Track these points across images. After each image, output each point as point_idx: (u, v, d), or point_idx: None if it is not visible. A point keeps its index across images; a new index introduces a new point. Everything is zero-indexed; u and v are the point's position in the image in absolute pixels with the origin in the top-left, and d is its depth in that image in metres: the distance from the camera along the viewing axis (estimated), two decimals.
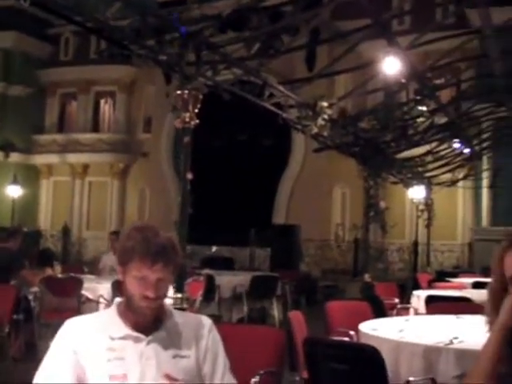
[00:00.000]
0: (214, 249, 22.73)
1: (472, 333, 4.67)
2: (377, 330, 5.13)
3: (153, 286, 2.60)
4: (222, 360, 2.81)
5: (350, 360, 4.11)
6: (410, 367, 4.48)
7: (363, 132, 10.39)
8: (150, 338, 2.66)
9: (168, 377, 2.56)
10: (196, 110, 6.69)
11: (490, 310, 2.34)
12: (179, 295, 6.71)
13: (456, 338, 4.60)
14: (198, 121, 6.79)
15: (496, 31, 8.44)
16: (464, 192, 22.67)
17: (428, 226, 18.71)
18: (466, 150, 14.31)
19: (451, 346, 4.43)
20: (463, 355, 4.19)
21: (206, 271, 12.16)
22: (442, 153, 14.50)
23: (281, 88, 8.61)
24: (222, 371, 2.78)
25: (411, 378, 4.23)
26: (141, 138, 27.52)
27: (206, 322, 2.86)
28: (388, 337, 4.82)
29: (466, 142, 13.67)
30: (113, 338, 2.64)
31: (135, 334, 2.66)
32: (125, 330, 2.67)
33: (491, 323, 2.32)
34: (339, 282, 18.39)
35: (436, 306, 7.40)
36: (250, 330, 4.75)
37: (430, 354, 4.45)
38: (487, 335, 2.34)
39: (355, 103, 16.96)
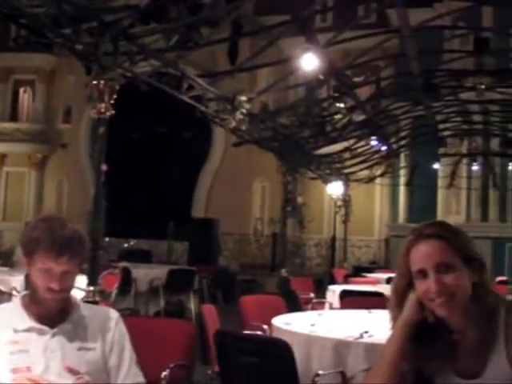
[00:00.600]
0: (131, 242, 22.53)
1: (383, 327, 4.73)
2: (289, 324, 5.17)
3: (58, 279, 2.56)
4: (129, 353, 2.79)
5: (261, 354, 4.14)
6: (320, 361, 4.53)
7: (282, 127, 10.46)
8: (55, 330, 2.63)
9: (69, 369, 2.53)
10: (112, 101, 6.62)
11: (394, 305, 2.32)
12: (92, 288, 6.61)
13: (366, 332, 4.68)
14: (114, 112, 6.71)
15: (413, 31, 8.61)
16: (381, 189, 23.11)
17: (345, 222, 18.96)
18: (384, 148, 14.55)
19: (361, 340, 4.51)
20: (372, 349, 4.26)
21: (123, 264, 12.03)
22: (360, 150, 14.70)
23: (200, 81, 8.58)
24: (128, 364, 2.76)
25: (321, 372, 4.29)
26: (60, 129, 27.01)
27: (113, 314, 2.84)
28: (300, 331, 4.88)
29: (383, 140, 13.90)
30: (16, 331, 2.60)
31: (39, 326, 2.62)
32: (29, 322, 2.63)
33: (395, 319, 2.31)
34: (258, 277, 18.47)
35: (349, 300, 7.52)
36: (160, 324, 4.73)
37: (340, 347, 4.51)
38: (391, 331, 2.33)
39: (277, 99, 17.06)
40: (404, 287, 2.28)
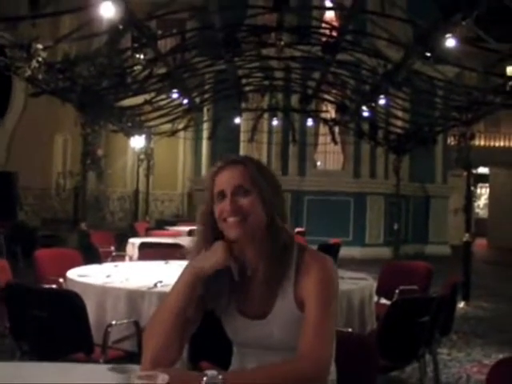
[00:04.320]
0: None
1: (177, 276, 4.82)
2: (85, 276, 5.13)
3: None
4: None
5: (52, 306, 4.08)
6: (114, 311, 4.55)
7: (81, 78, 10.18)
8: None
9: None
10: None
11: (199, 239, 2.32)
12: None
13: (161, 281, 4.74)
14: None
15: None
16: (184, 143, 23.27)
17: (148, 176, 18.91)
18: (186, 102, 14.58)
19: (154, 290, 4.57)
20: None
21: None
22: (162, 103, 14.64)
23: None
24: None
25: (113, 322, 4.30)
26: None
27: None
28: (94, 282, 4.86)
29: (185, 94, 13.92)
30: None
31: None
32: None
33: (195, 253, 2.30)
34: (59, 232, 18.04)
35: (147, 252, 7.57)
36: None
37: (134, 297, 4.55)
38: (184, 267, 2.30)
39: (80, 49, 16.55)
40: (208, 213, 2.31)
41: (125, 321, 4.40)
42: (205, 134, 21.20)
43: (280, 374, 1.98)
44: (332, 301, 2.20)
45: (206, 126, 20.60)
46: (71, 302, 4.02)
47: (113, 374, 2.02)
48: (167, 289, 4.41)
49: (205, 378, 1.85)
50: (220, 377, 1.86)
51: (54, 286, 5.49)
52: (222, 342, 2.48)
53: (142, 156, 18.49)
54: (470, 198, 12.39)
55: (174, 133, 17.68)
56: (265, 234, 2.27)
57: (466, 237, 11.81)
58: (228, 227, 2.25)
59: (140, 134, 17.19)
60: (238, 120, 18.90)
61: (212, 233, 2.31)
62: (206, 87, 15.83)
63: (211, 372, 1.87)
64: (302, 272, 2.23)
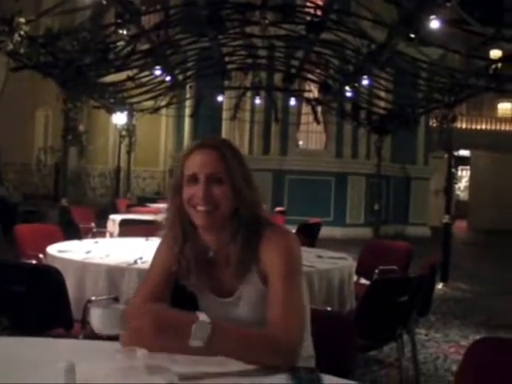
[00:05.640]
0: None
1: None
2: (65, 252, 5.12)
3: None
4: None
5: (31, 281, 4.06)
6: (94, 287, 4.54)
7: (63, 53, 10.08)
8: None
9: None
10: None
11: (171, 221, 2.35)
12: None
13: (141, 258, 4.74)
14: None
15: None
16: (167, 120, 23.19)
17: (129, 153, 18.84)
18: (169, 78, 14.50)
19: (134, 266, 4.57)
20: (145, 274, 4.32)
21: None
22: (144, 80, 14.55)
23: None
24: None
25: (93, 298, 4.29)
26: None
27: None
28: (74, 258, 4.84)
29: (168, 70, 13.84)
30: None
31: None
32: None
33: (168, 236, 2.37)
34: (40, 208, 17.96)
35: (128, 229, 7.55)
36: None
37: (114, 273, 4.54)
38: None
39: (64, 24, 16.38)
40: (175, 190, 2.32)
41: (104, 297, 4.40)
42: (187, 111, 21.17)
43: (257, 338, 2.00)
44: (296, 273, 2.20)
45: (188, 103, 20.57)
46: (51, 278, 4.01)
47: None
48: (147, 265, 4.45)
49: (194, 325, 1.86)
50: (209, 326, 1.87)
51: (33, 262, 5.47)
52: None
53: (124, 133, 18.40)
54: (451, 180, 12.48)
55: (156, 110, 17.62)
56: (234, 222, 2.28)
57: (446, 218, 11.90)
58: (197, 215, 2.26)
59: (122, 110, 17.11)
60: (220, 98, 18.87)
61: (180, 211, 2.32)
62: (190, 64, 15.76)
63: (203, 317, 1.89)
64: (265, 246, 2.24)
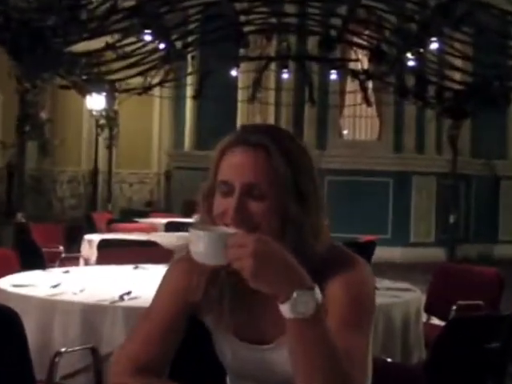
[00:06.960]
0: None
1: (152, 286, 4.81)
2: (23, 286, 5.14)
3: None
4: None
5: None
6: (64, 334, 4.55)
7: (16, 11, 10.11)
8: None
9: None
10: None
11: (202, 219, 2.32)
12: None
13: (129, 293, 4.75)
14: None
15: None
16: (161, 103, 23.22)
17: (110, 148, 18.87)
18: (163, 46, 14.53)
19: (120, 304, 4.57)
20: (136, 316, 4.31)
21: None
22: (129, 48, 14.58)
23: None
24: None
25: (63, 349, 4.30)
26: None
27: None
28: (36, 294, 4.85)
29: (162, 35, 13.87)
30: None
31: None
32: None
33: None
34: None
35: (110, 253, 7.57)
36: None
37: (92, 315, 4.55)
38: None
39: None
40: (206, 195, 2.30)
41: (78, 347, 4.40)
42: (189, 91, 21.17)
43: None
44: (366, 319, 2.19)
45: (190, 80, 20.57)
46: (4, 322, 4.02)
47: None
48: (138, 302, 4.47)
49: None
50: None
51: None
52: (212, 366, 2.51)
53: (103, 121, 18.49)
54: None
55: (146, 89, 17.67)
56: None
57: None
58: None
59: (99, 91, 17.19)
60: (234, 72, 18.90)
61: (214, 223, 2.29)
62: (191, 27, 15.79)
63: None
64: (325, 276, 2.20)
